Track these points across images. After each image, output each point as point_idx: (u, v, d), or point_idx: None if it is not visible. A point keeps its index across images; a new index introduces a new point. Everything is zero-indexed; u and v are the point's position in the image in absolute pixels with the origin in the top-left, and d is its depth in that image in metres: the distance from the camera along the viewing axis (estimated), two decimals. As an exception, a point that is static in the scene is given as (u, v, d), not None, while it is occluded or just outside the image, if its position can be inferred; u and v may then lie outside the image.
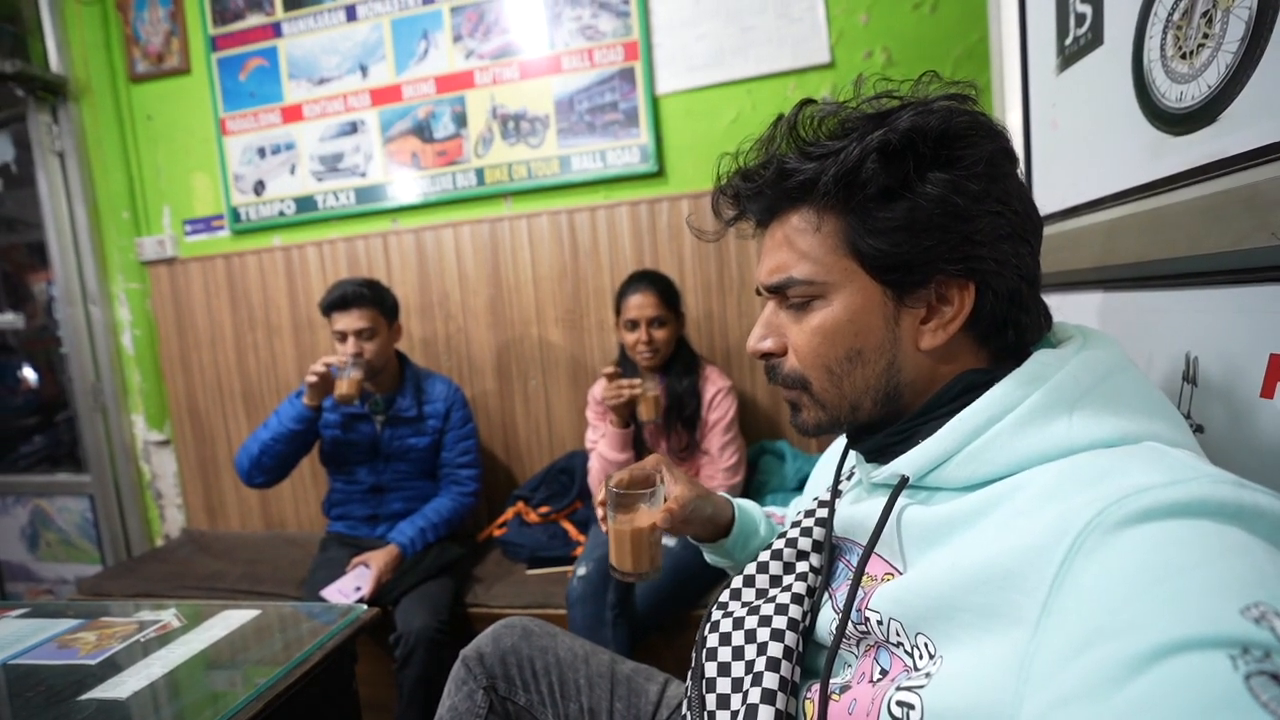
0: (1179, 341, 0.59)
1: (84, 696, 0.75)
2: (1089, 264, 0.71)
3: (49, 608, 1.01)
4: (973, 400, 0.47)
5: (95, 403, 2.24)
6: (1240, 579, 0.30)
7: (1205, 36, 0.53)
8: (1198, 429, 0.57)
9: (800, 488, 1.61)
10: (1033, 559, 0.36)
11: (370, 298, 1.60)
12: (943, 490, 0.49)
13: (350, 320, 1.57)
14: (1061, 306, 0.81)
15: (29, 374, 2.47)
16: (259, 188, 2.11)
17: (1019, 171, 0.50)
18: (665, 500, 0.70)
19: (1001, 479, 0.44)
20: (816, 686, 0.53)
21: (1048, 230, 0.79)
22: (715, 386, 1.57)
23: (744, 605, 0.60)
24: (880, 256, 0.48)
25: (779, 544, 0.63)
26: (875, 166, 0.46)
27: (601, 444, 1.54)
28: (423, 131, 1.97)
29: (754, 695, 0.51)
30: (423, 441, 1.71)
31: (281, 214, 2.10)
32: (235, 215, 2.14)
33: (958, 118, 0.46)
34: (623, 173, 1.86)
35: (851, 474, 0.65)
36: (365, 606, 0.95)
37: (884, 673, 0.48)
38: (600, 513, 0.75)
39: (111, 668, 0.81)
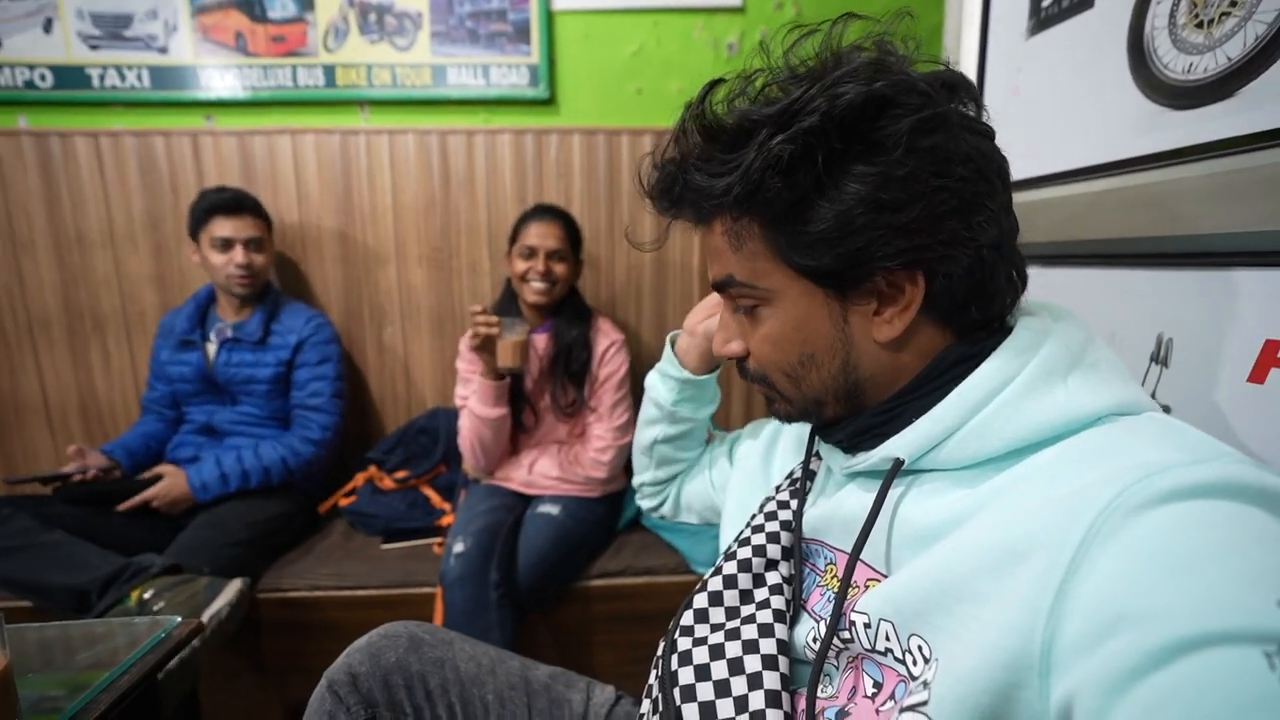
0: (1150, 322, 0.58)
1: None
2: (1046, 238, 0.69)
3: None
4: (964, 374, 0.44)
5: None
6: (1275, 568, 0.28)
7: (1232, 4, 0.50)
8: (1164, 409, 0.57)
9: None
10: (1045, 542, 0.34)
11: (259, 206, 1.47)
12: (938, 472, 0.45)
13: (241, 226, 1.41)
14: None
15: None
16: (-8, 44, 1.54)
17: (968, 121, 0.44)
18: None
19: (1003, 456, 0.41)
20: (800, 704, 0.46)
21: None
22: (608, 339, 1.46)
23: (714, 628, 0.51)
24: (810, 269, 0.45)
25: (744, 553, 0.54)
26: (779, 182, 0.42)
27: (472, 399, 1.36)
28: (252, 6, 1.56)
29: None
30: (264, 372, 1.46)
31: (30, 85, 1.56)
32: (-46, 79, 1.55)
33: (874, 92, 0.40)
34: (508, 94, 1.63)
35: (812, 473, 0.58)
36: (178, 620, 0.72)
37: (878, 686, 0.43)
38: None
39: None
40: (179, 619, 0.72)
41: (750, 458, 0.70)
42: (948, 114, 0.42)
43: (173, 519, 1.35)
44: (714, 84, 0.47)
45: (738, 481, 0.70)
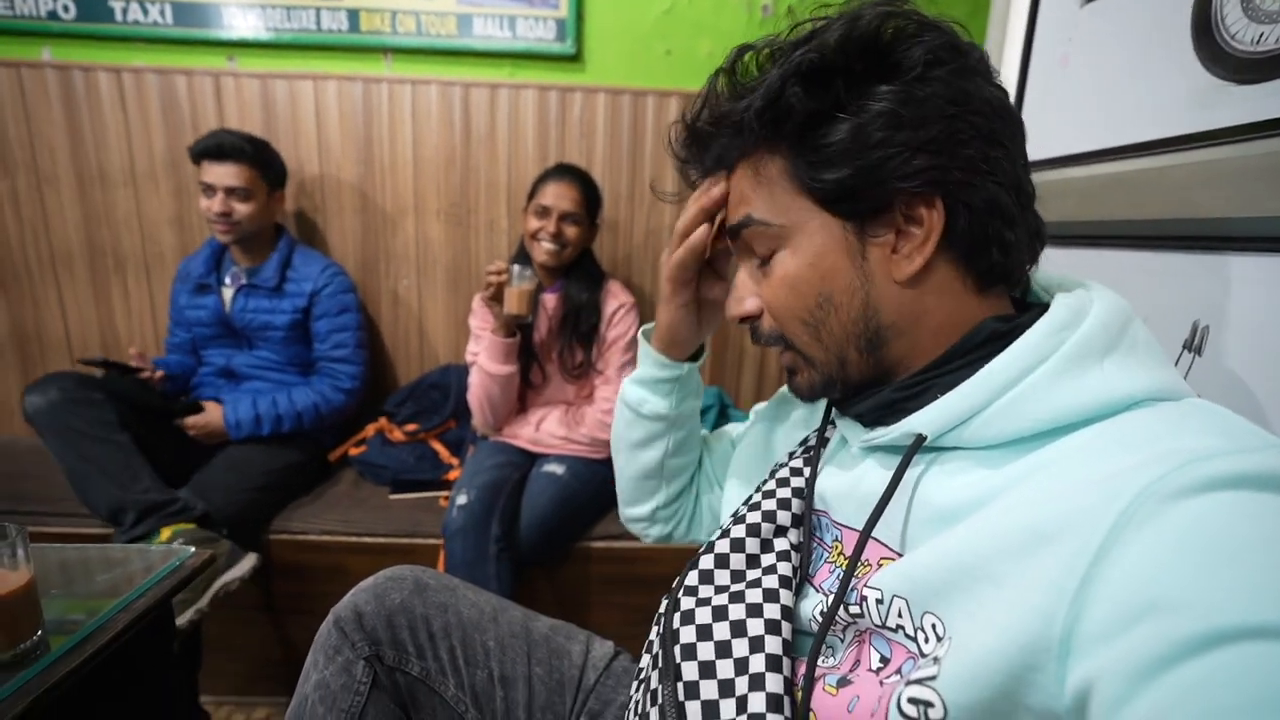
0: (1187, 308, 0.56)
1: None
2: (1086, 217, 0.66)
3: None
4: (998, 350, 0.42)
5: None
6: None
7: (1313, -33, 0.47)
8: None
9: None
10: (1075, 523, 0.33)
11: (251, 154, 1.41)
12: (962, 451, 0.44)
13: (223, 174, 1.38)
14: (1052, 260, 0.77)
15: None
16: (17, -28, 1.53)
17: (985, 71, 0.45)
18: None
19: (1032, 437, 0.40)
20: (801, 670, 0.46)
21: (1043, 177, 0.76)
22: (617, 301, 1.45)
23: (719, 590, 0.51)
24: (828, 187, 0.44)
25: (754, 517, 0.54)
26: (799, 90, 0.43)
27: (482, 355, 1.36)
28: (275, -57, 1.52)
29: (756, 703, 0.43)
30: (280, 319, 1.47)
31: (54, 15, 1.55)
32: (-21, 7, 1.54)
33: (890, 20, 0.43)
34: (534, 48, 1.59)
35: (828, 439, 0.57)
36: (191, 550, 0.73)
37: (885, 660, 0.42)
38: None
39: None
40: (192, 549, 0.73)
41: (753, 433, 0.69)
42: (966, 49, 0.44)
43: (195, 452, 1.38)
44: (744, 49, 0.48)
45: (743, 450, 0.69)
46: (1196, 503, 0.30)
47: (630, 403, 0.71)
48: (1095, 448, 0.37)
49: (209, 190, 1.39)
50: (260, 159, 1.44)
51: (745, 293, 0.53)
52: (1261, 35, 0.51)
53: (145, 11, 1.55)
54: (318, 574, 1.34)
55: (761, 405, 0.73)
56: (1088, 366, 0.40)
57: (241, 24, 1.56)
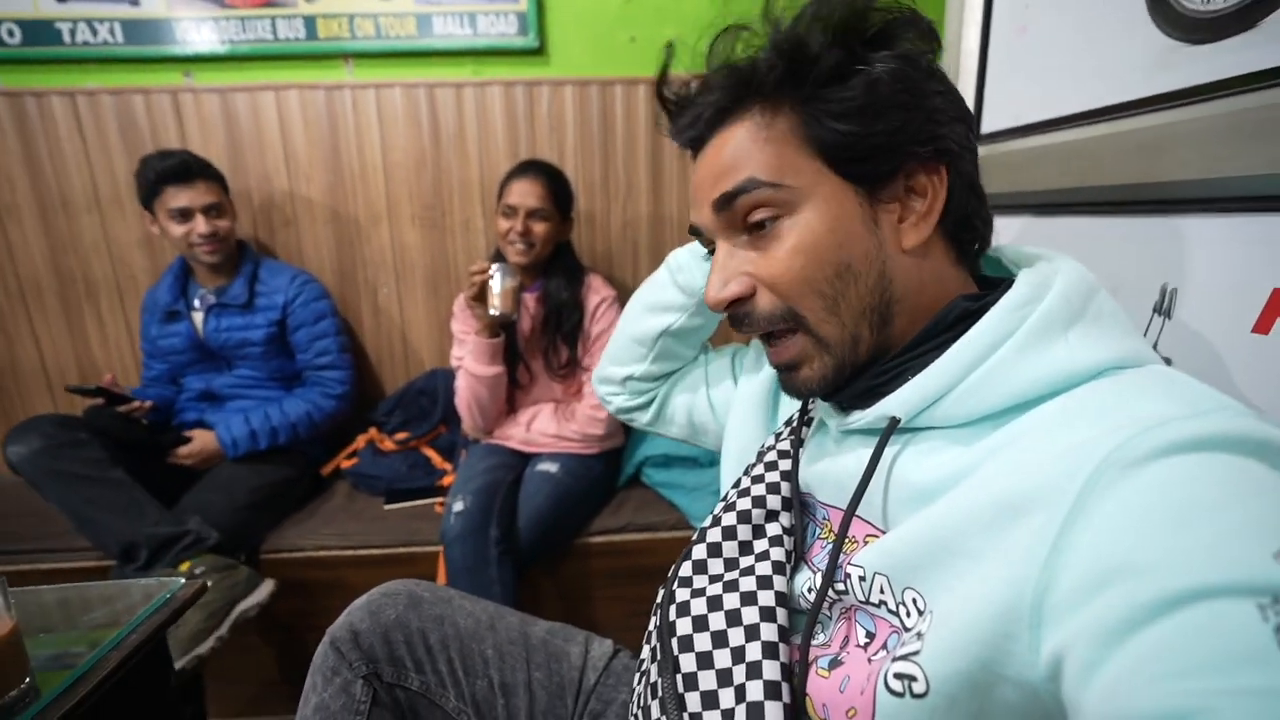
0: (1155, 271, 0.57)
1: None
2: (1052, 186, 0.66)
3: None
4: (966, 329, 0.43)
5: None
6: (1272, 520, 0.28)
7: (1258, -77, 0.47)
8: (1165, 361, 0.56)
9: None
10: (1043, 495, 0.33)
11: (214, 170, 1.40)
12: (935, 430, 0.44)
13: (196, 194, 1.35)
14: (1022, 229, 0.77)
15: None
16: (-41, -1, 1.48)
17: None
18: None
19: (1001, 412, 0.41)
20: (795, 654, 0.46)
21: (1007, 147, 0.76)
22: (599, 296, 1.44)
23: (713, 579, 0.51)
24: (845, 143, 0.43)
25: (744, 504, 0.54)
26: (824, 39, 0.43)
27: (467, 358, 1.35)
28: (223, -47, 1.49)
29: (754, 691, 0.43)
30: (256, 334, 1.45)
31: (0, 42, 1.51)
32: (-77, 37, 1.50)
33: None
34: (496, 44, 1.57)
35: (809, 421, 0.58)
36: (181, 581, 0.73)
37: (870, 636, 0.43)
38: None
39: None
40: (183, 580, 0.73)
41: (754, 393, 0.67)
42: (934, 39, 0.46)
43: (181, 476, 1.37)
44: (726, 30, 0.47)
45: (740, 416, 0.67)
46: (1155, 468, 0.31)
47: (671, 265, 0.70)
48: (1060, 420, 0.38)
49: (184, 215, 1.35)
50: (219, 173, 1.42)
51: (731, 273, 0.48)
52: (1213, -6, 0.51)
53: (94, 31, 1.51)
54: (317, 590, 1.34)
55: (746, 361, 0.72)
56: (1052, 339, 0.41)
57: (196, 38, 1.53)
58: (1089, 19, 0.64)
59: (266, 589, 1.21)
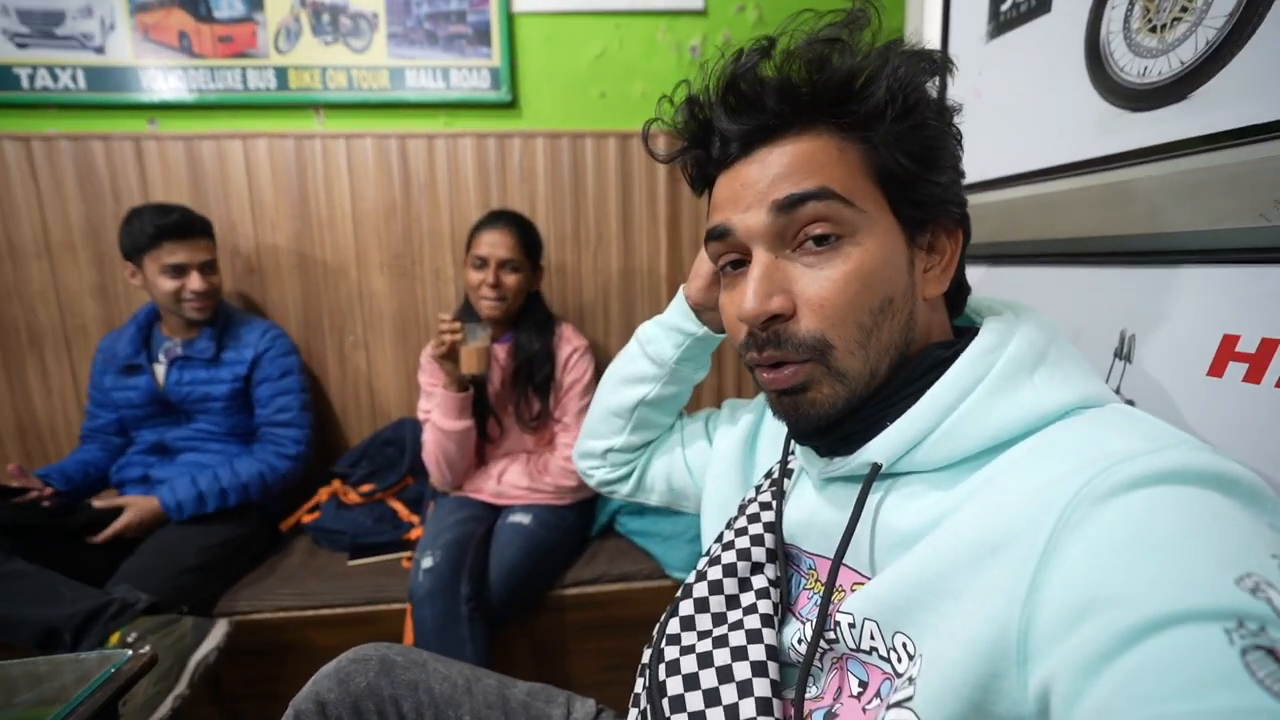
0: (1114, 318, 0.60)
1: None
2: (1013, 238, 0.70)
3: None
4: (939, 376, 0.45)
5: None
6: (1233, 548, 0.30)
7: (1183, 10, 0.52)
8: (1128, 403, 0.58)
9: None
10: (1018, 534, 0.35)
11: (208, 224, 1.39)
12: (915, 475, 0.46)
13: (195, 251, 1.34)
14: (986, 277, 0.81)
15: None
16: (-88, 44, 1.45)
17: None
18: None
19: (977, 455, 0.42)
20: (789, 710, 0.45)
21: (972, 200, 0.81)
22: (571, 346, 1.44)
23: (702, 635, 0.50)
24: (909, 181, 0.45)
25: (729, 557, 0.54)
26: (917, 94, 0.44)
27: (435, 412, 1.32)
28: (196, 5, 1.49)
29: None
30: (219, 389, 1.40)
31: (-45, 88, 1.47)
32: None
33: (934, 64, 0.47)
34: (469, 98, 1.60)
35: (789, 472, 0.58)
36: (128, 654, 0.67)
37: (863, 685, 0.43)
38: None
39: None
40: (129, 653, 0.67)
41: (730, 450, 0.67)
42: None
43: (118, 546, 1.27)
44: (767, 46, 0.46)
45: (718, 473, 0.67)
46: (1121, 502, 0.33)
47: (641, 338, 0.73)
48: (1031, 459, 0.40)
49: (179, 270, 1.32)
50: (212, 229, 1.41)
51: (776, 287, 0.45)
52: (1146, 68, 0.56)
53: (55, 77, 1.49)
54: (275, 654, 1.25)
55: (738, 404, 0.73)
56: (1019, 383, 0.43)
57: (163, 86, 1.52)
58: (1039, 85, 0.69)
59: (220, 630, 1.11)
